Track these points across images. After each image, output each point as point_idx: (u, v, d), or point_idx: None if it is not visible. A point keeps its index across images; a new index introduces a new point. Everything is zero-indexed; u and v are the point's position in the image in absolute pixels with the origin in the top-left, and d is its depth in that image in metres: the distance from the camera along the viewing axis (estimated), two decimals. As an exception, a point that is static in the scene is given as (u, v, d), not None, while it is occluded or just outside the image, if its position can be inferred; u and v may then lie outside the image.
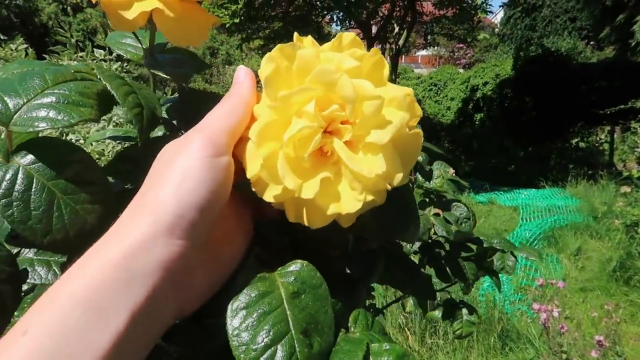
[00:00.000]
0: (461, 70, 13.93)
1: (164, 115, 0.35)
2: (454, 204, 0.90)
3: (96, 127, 2.22)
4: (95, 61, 2.59)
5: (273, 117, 0.27)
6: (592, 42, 11.14)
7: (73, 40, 2.68)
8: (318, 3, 8.82)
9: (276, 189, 0.26)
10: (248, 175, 0.27)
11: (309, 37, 0.30)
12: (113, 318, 0.23)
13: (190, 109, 0.34)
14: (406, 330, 2.60)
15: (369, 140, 0.27)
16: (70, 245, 0.24)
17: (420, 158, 0.90)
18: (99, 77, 0.26)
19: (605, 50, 10.32)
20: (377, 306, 1.00)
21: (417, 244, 0.85)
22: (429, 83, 12.95)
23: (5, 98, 0.22)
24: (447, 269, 0.86)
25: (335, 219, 0.28)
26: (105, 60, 2.60)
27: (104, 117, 2.18)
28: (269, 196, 0.27)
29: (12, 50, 2.68)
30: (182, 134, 0.35)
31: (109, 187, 0.26)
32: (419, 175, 0.91)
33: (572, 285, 3.41)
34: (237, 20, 7.97)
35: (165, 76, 0.34)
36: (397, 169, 0.27)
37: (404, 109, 0.28)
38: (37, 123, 0.22)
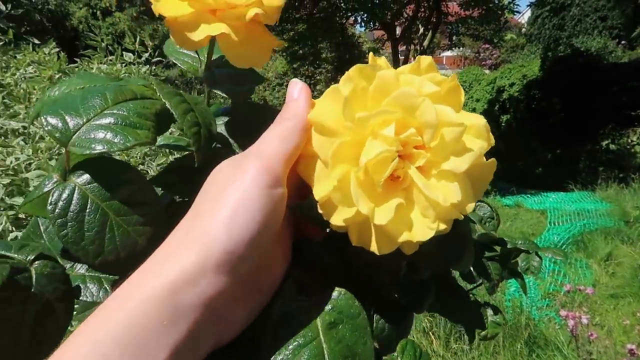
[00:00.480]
0: (487, 71, 13.72)
1: (220, 129, 0.34)
2: (477, 204, 0.89)
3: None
4: (124, 65, 2.64)
5: (347, 138, 0.26)
6: (623, 42, 10.84)
7: (103, 44, 2.74)
8: (342, 5, 8.81)
9: (347, 213, 0.26)
10: (317, 197, 0.26)
11: (383, 58, 0.29)
12: (154, 356, 0.22)
13: (246, 122, 0.35)
14: (430, 334, 2.57)
15: (446, 167, 0.26)
16: (121, 267, 0.24)
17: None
18: (158, 93, 0.27)
19: (638, 49, 10.03)
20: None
21: None
22: (454, 84, 12.78)
23: (67, 117, 0.23)
24: (472, 268, 0.85)
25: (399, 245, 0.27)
26: (134, 64, 2.65)
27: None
28: (338, 219, 0.26)
29: (45, 54, 2.75)
30: (236, 148, 0.34)
31: (160, 208, 0.26)
32: None
33: (602, 291, 3.32)
34: (261, 23, 8.02)
35: (225, 95, 0.34)
36: (470, 199, 0.27)
37: (482, 138, 0.28)
38: (94, 145, 0.23)
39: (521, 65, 11.41)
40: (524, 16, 18.07)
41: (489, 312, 0.91)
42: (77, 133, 0.23)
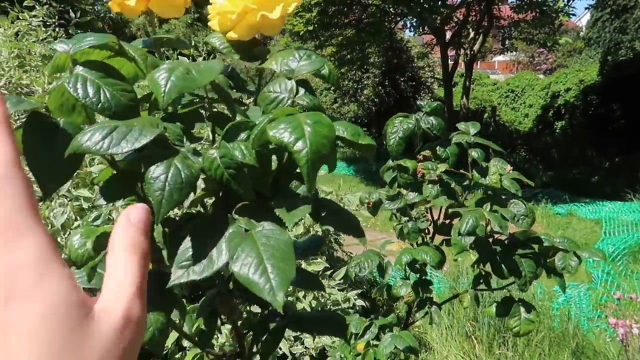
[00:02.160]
0: (541, 76, 13.30)
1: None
2: (511, 201, 0.89)
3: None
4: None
5: None
6: (691, 45, 10.24)
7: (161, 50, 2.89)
8: (391, 10, 8.81)
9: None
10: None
11: None
12: None
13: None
14: (473, 339, 2.55)
15: None
16: (114, 113, 0.38)
17: (475, 154, 0.90)
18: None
19: None
20: (434, 300, 1.02)
21: (471, 239, 0.85)
22: (506, 89, 12.49)
23: (70, 44, 0.40)
24: (502, 265, 0.86)
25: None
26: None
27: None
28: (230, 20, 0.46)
29: (108, 59, 2.94)
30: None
31: (130, 84, 0.40)
32: (475, 172, 0.91)
33: (659, 304, 3.17)
34: (310, 28, 8.15)
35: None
36: None
37: None
38: (83, 45, 0.40)
39: (578, 69, 10.99)
40: (582, 19, 17.39)
41: (522, 309, 0.91)
42: (73, 47, 0.39)
